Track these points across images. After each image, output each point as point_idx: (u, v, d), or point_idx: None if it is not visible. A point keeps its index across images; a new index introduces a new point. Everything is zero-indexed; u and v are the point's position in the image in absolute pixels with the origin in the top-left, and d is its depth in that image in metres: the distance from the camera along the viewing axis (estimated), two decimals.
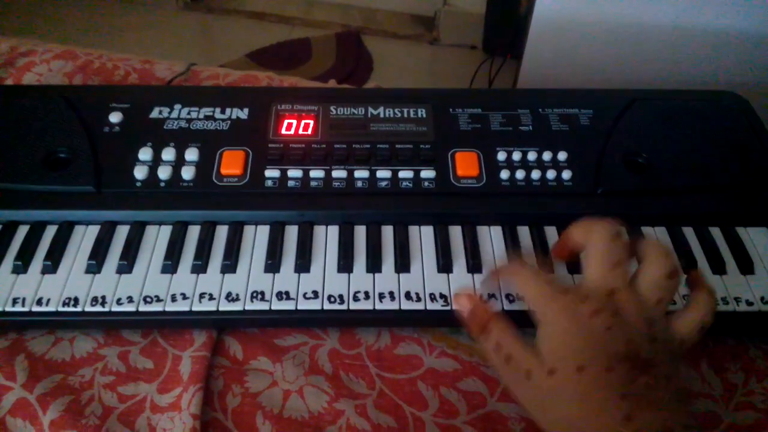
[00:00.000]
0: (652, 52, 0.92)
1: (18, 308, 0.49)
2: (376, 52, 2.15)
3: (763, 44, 0.87)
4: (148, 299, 0.49)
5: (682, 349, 0.41)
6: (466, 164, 0.58)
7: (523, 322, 0.44)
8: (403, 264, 0.52)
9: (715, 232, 0.56)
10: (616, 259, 0.42)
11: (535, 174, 0.57)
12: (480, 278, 0.52)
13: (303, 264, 0.52)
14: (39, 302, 0.49)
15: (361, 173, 0.57)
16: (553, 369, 0.39)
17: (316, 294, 0.50)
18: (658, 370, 0.38)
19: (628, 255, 0.42)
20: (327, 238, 0.54)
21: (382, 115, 0.62)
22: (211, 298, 0.50)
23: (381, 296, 0.50)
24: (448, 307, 0.50)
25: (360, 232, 0.55)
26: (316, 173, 0.57)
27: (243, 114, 0.61)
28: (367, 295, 0.50)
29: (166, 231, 0.54)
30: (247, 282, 0.51)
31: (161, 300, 0.49)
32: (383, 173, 0.57)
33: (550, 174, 0.57)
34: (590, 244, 0.43)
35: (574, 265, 0.52)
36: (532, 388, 0.40)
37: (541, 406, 0.40)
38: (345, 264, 0.52)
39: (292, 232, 0.54)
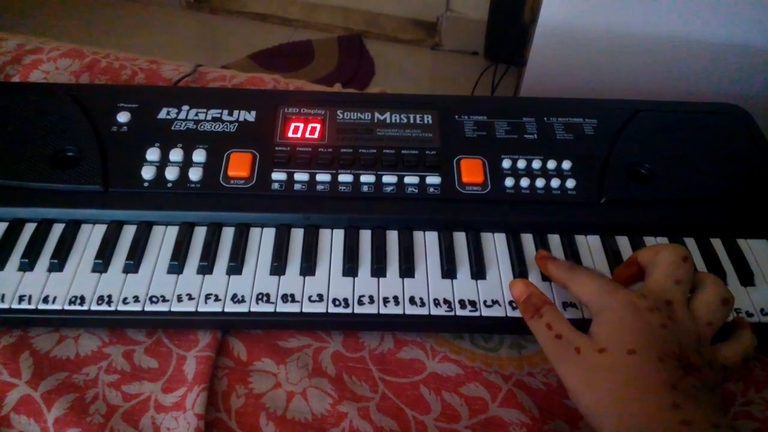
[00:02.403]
0: (655, 63, 0.93)
1: (24, 305, 0.49)
2: (377, 56, 2.15)
3: (766, 57, 0.87)
4: (154, 299, 0.50)
5: (724, 374, 0.43)
6: (471, 171, 0.58)
7: (521, 330, 0.46)
8: (407, 269, 0.52)
9: (716, 244, 0.56)
10: (680, 278, 0.44)
11: (540, 182, 0.57)
12: (484, 285, 0.52)
13: (308, 267, 0.52)
14: (45, 300, 0.49)
15: (367, 178, 0.57)
16: (603, 348, 0.41)
17: (321, 297, 0.51)
18: (704, 378, 0.40)
19: (691, 279, 0.45)
20: (332, 241, 0.55)
21: (388, 121, 0.62)
22: (217, 299, 0.50)
23: (385, 301, 0.51)
24: (452, 313, 0.50)
25: (365, 236, 0.55)
26: (323, 177, 0.57)
27: (250, 116, 0.62)
28: (371, 300, 0.51)
29: (172, 231, 0.54)
30: (253, 284, 0.51)
31: (167, 300, 0.50)
32: (389, 178, 0.57)
33: (554, 182, 0.57)
34: (658, 260, 0.45)
35: None
36: (581, 365, 0.41)
37: (588, 384, 0.41)
38: (350, 268, 0.52)
39: (297, 235, 0.55)
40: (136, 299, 0.50)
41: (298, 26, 2.28)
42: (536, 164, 0.59)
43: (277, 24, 2.28)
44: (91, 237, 0.54)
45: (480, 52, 2.12)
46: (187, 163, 0.57)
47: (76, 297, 0.50)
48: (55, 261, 0.51)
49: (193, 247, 0.53)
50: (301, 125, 0.61)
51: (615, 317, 0.42)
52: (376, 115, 0.63)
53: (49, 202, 0.55)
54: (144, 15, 2.29)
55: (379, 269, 0.52)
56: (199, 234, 0.54)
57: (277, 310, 0.50)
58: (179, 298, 0.50)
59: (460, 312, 0.50)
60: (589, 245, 0.55)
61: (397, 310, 0.50)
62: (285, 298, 0.50)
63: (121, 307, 0.49)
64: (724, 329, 0.45)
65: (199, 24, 2.30)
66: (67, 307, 0.49)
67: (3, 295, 0.49)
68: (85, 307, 0.49)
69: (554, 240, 0.56)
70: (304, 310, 0.50)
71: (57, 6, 2.28)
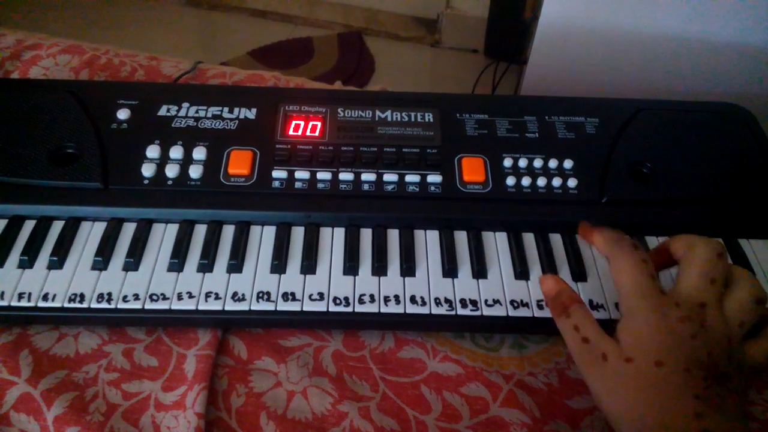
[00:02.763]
0: (657, 62, 0.93)
1: (24, 303, 0.49)
2: (377, 53, 2.15)
3: None
4: (155, 297, 0.50)
5: (753, 374, 0.43)
6: (472, 170, 0.58)
7: (523, 328, 0.45)
8: (408, 268, 0.52)
9: None
10: (715, 276, 0.43)
11: (541, 181, 0.57)
12: (485, 284, 0.52)
13: (309, 265, 0.52)
14: (45, 298, 0.49)
15: (367, 176, 0.57)
16: (630, 357, 0.40)
17: (321, 296, 0.50)
18: (731, 385, 0.39)
19: (725, 276, 0.44)
20: (333, 240, 0.54)
21: (389, 119, 0.62)
22: (217, 297, 0.50)
23: (386, 299, 0.50)
24: (453, 312, 0.50)
25: (366, 234, 0.55)
26: (323, 175, 0.57)
27: (251, 114, 0.62)
28: (372, 298, 0.50)
29: (172, 229, 0.54)
30: (253, 282, 0.51)
31: (167, 298, 0.50)
32: (390, 176, 0.57)
33: (556, 181, 0.57)
34: (693, 256, 0.44)
35: (580, 275, 0.53)
36: (606, 372, 0.41)
37: (612, 391, 0.41)
38: (351, 266, 0.52)
39: (298, 234, 0.54)
40: (136, 297, 0.50)
41: (298, 23, 2.27)
42: (538, 163, 0.59)
43: (277, 20, 2.28)
44: (90, 234, 0.54)
45: (480, 50, 2.12)
46: (187, 161, 0.57)
47: (75, 295, 0.49)
48: (55, 258, 0.51)
49: (194, 245, 0.53)
50: (302, 123, 0.61)
51: (645, 326, 0.41)
52: (377, 113, 0.62)
53: (49, 199, 0.54)
54: (143, 11, 2.28)
55: (379, 268, 0.52)
56: (200, 232, 0.54)
57: (278, 308, 0.50)
58: (179, 297, 0.50)
59: (461, 311, 0.50)
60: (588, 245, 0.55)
61: (397, 309, 0.50)
62: (285, 296, 0.50)
63: (121, 305, 0.49)
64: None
65: (198, 20, 2.30)
66: (66, 305, 0.49)
67: (2, 293, 0.49)
68: (84, 305, 0.49)
69: (555, 239, 0.55)
70: (304, 309, 0.50)
71: (54, 2, 2.27)
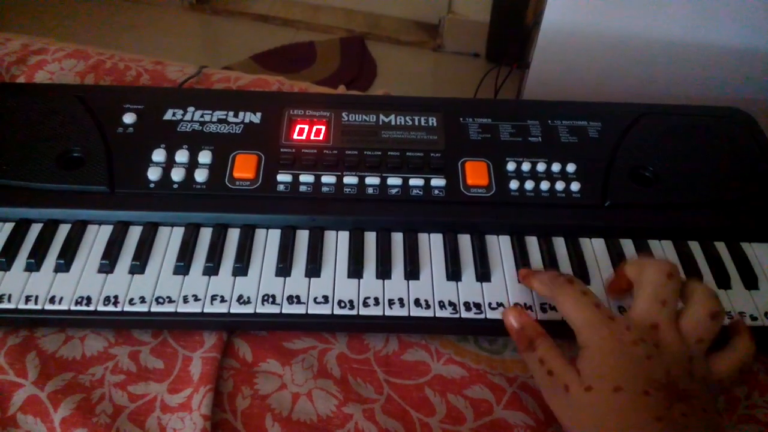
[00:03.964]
0: (659, 66, 0.93)
1: (30, 306, 0.49)
2: (379, 58, 2.16)
3: None
4: (161, 300, 0.50)
5: (721, 388, 0.43)
6: (475, 173, 0.58)
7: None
8: (412, 271, 0.53)
9: (720, 247, 0.56)
10: (665, 297, 0.43)
11: (544, 185, 0.58)
12: (488, 287, 0.52)
13: (314, 269, 0.52)
14: (51, 300, 0.50)
15: (372, 180, 0.57)
16: (590, 386, 0.41)
17: (326, 299, 0.51)
18: (694, 402, 0.39)
19: (677, 295, 0.44)
20: (338, 243, 0.55)
21: (393, 123, 0.62)
22: (223, 300, 0.50)
23: (391, 302, 0.51)
24: (457, 315, 0.50)
25: (370, 238, 0.55)
26: (328, 179, 0.57)
27: (256, 118, 0.62)
28: (377, 301, 0.51)
29: (178, 232, 0.55)
30: (258, 285, 0.51)
31: (173, 301, 0.50)
32: (394, 180, 0.57)
33: (559, 185, 0.58)
34: (643, 279, 0.45)
35: (582, 278, 0.53)
36: (569, 402, 0.41)
37: (576, 420, 0.41)
38: (355, 270, 0.52)
39: (303, 237, 0.55)
40: (143, 300, 0.50)
41: (301, 27, 2.28)
42: (541, 167, 0.59)
43: (280, 25, 2.29)
44: (97, 238, 0.54)
45: (482, 54, 2.12)
46: (192, 165, 0.57)
47: (82, 297, 0.50)
48: (62, 261, 0.52)
49: (199, 248, 0.53)
50: (307, 127, 0.61)
51: (598, 354, 0.42)
52: (381, 117, 0.63)
53: (56, 202, 0.55)
54: (146, 16, 2.29)
55: (384, 271, 0.53)
56: (205, 235, 0.54)
57: (283, 311, 0.50)
58: (185, 299, 0.50)
59: (465, 314, 0.50)
60: (594, 248, 0.56)
61: (402, 312, 0.50)
62: (290, 299, 0.51)
63: (128, 308, 0.49)
64: (723, 332, 0.44)
65: (201, 25, 2.31)
66: (73, 308, 0.49)
67: (9, 295, 0.50)
68: (91, 308, 0.49)
69: (558, 243, 0.56)
70: (309, 312, 0.50)
71: (59, 6, 2.28)
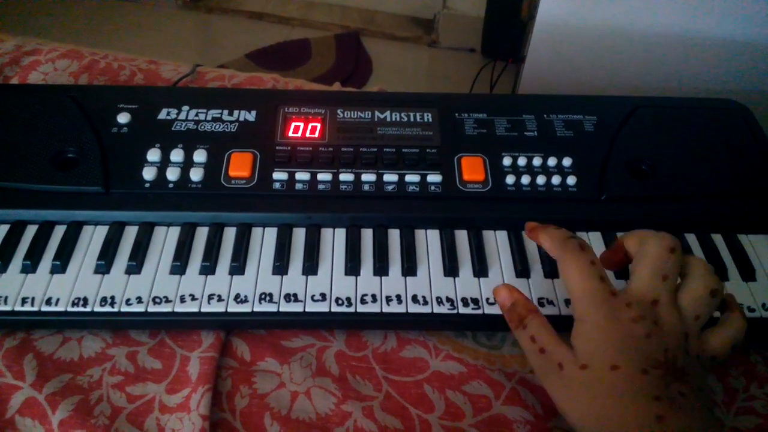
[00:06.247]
0: (654, 59, 0.93)
1: (27, 308, 0.49)
2: (374, 54, 2.16)
3: (766, 53, 0.87)
4: (158, 300, 0.50)
5: (713, 365, 0.42)
6: (472, 169, 0.58)
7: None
8: (409, 267, 0.53)
9: (717, 239, 0.56)
10: (667, 272, 0.42)
11: (541, 179, 0.58)
12: (486, 282, 0.52)
13: (311, 266, 0.52)
14: (48, 302, 0.49)
15: (368, 176, 0.57)
16: (585, 364, 0.40)
17: (323, 296, 0.51)
18: (691, 380, 0.39)
19: (678, 270, 0.43)
20: (334, 240, 0.55)
21: (388, 119, 0.62)
22: (220, 299, 0.50)
23: (388, 299, 0.51)
24: (455, 311, 0.50)
25: (367, 235, 0.55)
26: (324, 176, 0.57)
27: (250, 116, 0.62)
28: (374, 298, 0.51)
29: (174, 232, 0.54)
30: (255, 284, 0.51)
31: (170, 301, 0.50)
32: (390, 177, 0.57)
33: (555, 179, 0.58)
34: (644, 253, 0.43)
35: None
36: (564, 381, 0.41)
37: (571, 399, 0.40)
38: (352, 267, 0.52)
39: (299, 235, 0.55)
40: (139, 300, 0.50)
41: (295, 24, 2.28)
42: (537, 161, 0.59)
43: (274, 22, 2.28)
44: (93, 238, 0.54)
45: (477, 49, 2.12)
46: (188, 164, 0.57)
47: (79, 299, 0.50)
48: (58, 263, 0.51)
49: (196, 247, 0.53)
50: (302, 125, 0.61)
51: (596, 331, 0.41)
52: (377, 113, 0.63)
53: (51, 203, 0.55)
54: (139, 15, 2.28)
55: (381, 268, 0.52)
56: (201, 234, 0.54)
57: (280, 309, 0.50)
58: (182, 299, 0.50)
59: (462, 310, 0.50)
60: (591, 242, 0.55)
61: (399, 309, 0.50)
62: (288, 297, 0.50)
63: (125, 309, 0.49)
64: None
65: (195, 23, 2.30)
66: (70, 309, 0.49)
67: (6, 298, 0.49)
68: (88, 309, 0.49)
69: None
70: (307, 310, 0.50)
71: (51, 7, 2.27)
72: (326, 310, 0.50)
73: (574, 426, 0.40)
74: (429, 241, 0.55)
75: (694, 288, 0.42)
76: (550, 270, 0.53)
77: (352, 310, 0.50)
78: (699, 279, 0.42)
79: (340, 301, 0.50)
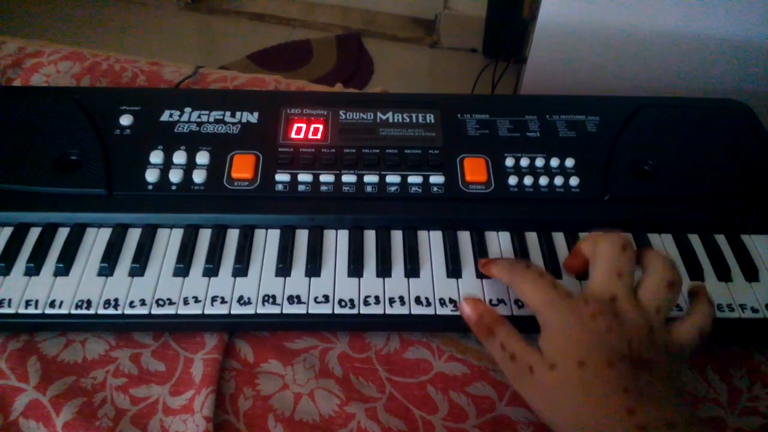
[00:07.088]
0: (657, 59, 0.93)
1: (31, 310, 0.49)
2: (376, 55, 2.15)
3: (767, 53, 0.87)
4: (161, 302, 0.50)
5: (683, 355, 0.43)
6: (474, 170, 0.58)
7: (529, 327, 0.45)
8: (412, 269, 0.53)
9: (720, 240, 0.56)
10: (621, 269, 0.44)
11: (543, 180, 0.58)
12: (489, 284, 0.52)
13: (314, 268, 0.52)
14: (51, 305, 0.49)
15: (370, 178, 0.57)
16: (554, 364, 0.41)
17: (326, 298, 0.51)
18: (658, 369, 0.40)
19: (633, 266, 0.44)
20: (337, 242, 0.55)
21: (391, 120, 0.62)
22: (223, 301, 0.50)
23: (391, 301, 0.51)
24: (458, 312, 0.50)
25: (370, 236, 0.55)
26: (326, 177, 0.57)
27: (253, 118, 0.62)
28: (377, 300, 0.51)
29: (177, 234, 0.54)
30: (259, 286, 0.51)
31: (174, 303, 0.50)
32: (392, 178, 0.57)
33: (558, 180, 0.58)
34: (598, 254, 0.45)
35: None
36: (535, 383, 0.41)
37: (545, 400, 0.41)
38: (355, 268, 0.52)
39: (302, 237, 0.55)
40: (143, 302, 0.50)
41: (297, 26, 2.28)
42: (539, 162, 0.59)
43: (276, 24, 2.28)
44: (96, 241, 0.54)
45: (479, 50, 2.12)
46: (190, 166, 0.57)
47: (82, 301, 0.50)
48: (61, 265, 0.51)
49: (199, 249, 0.53)
50: (304, 126, 0.61)
51: (559, 332, 0.42)
52: (379, 114, 0.63)
53: (54, 206, 0.55)
54: (141, 16, 2.29)
55: (384, 269, 0.52)
56: (204, 236, 0.54)
57: (284, 311, 0.50)
58: (185, 301, 0.50)
59: (463, 313, 0.50)
60: None
61: (402, 310, 0.50)
62: (291, 299, 0.50)
63: (128, 311, 0.49)
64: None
65: (196, 24, 2.30)
66: (73, 312, 0.49)
67: (9, 300, 0.50)
68: (91, 311, 0.49)
69: (558, 238, 0.56)
70: (310, 312, 0.50)
71: (52, 8, 2.27)
72: (329, 311, 0.50)
73: (551, 427, 0.41)
74: (432, 242, 0.55)
75: (651, 281, 0.43)
76: (552, 270, 0.53)
77: (355, 311, 0.50)
78: (657, 273, 0.44)
79: (343, 303, 0.50)
